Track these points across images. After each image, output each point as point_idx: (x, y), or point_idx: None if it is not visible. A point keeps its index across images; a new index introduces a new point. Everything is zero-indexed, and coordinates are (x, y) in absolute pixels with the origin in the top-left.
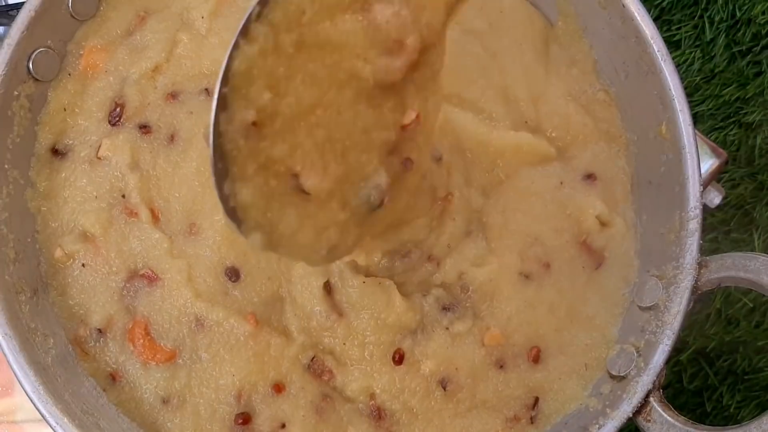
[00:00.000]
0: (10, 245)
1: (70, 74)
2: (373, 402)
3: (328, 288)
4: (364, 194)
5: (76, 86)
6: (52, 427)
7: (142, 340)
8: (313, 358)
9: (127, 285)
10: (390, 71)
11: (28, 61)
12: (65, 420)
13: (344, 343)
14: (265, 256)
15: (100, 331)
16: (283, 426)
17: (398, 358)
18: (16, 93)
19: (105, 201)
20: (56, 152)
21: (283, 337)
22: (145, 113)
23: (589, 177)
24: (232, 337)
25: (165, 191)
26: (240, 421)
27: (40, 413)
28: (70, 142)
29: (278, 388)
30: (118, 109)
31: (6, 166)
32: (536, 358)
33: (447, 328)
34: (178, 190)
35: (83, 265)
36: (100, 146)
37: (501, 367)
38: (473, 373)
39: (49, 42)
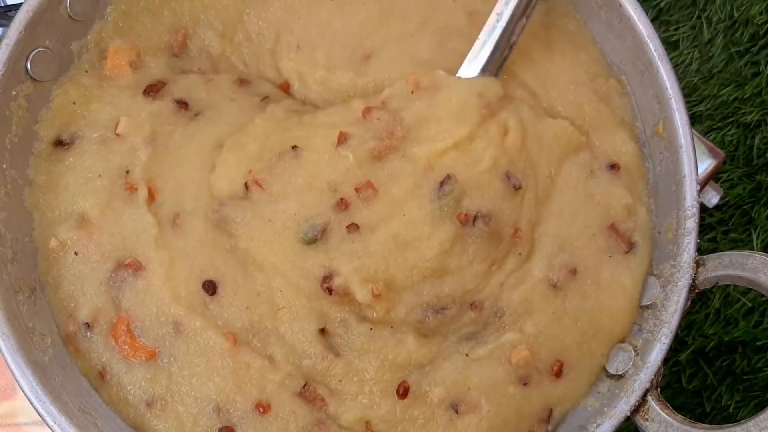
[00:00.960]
0: (8, 245)
1: (87, 71)
2: (369, 430)
3: (323, 331)
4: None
5: (93, 81)
6: (49, 427)
7: (124, 336)
8: (304, 385)
9: (114, 275)
10: None
11: (26, 62)
12: (63, 419)
13: (341, 380)
14: (244, 282)
15: (87, 325)
16: None
17: (402, 392)
18: (14, 93)
19: (108, 178)
20: (61, 143)
21: (266, 361)
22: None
23: (613, 167)
24: (209, 350)
25: (168, 168)
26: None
27: (38, 412)
28: (78, 130)
29: (263, 408)
30: (158, 84)
31: (4, 166)
32: (558, 373)
33: (466, 355)
34: (179, 168)
35: (76, 253)
36: (118, 123)
37: (525, 384)
38: (492, 391)
39: (47, 42)
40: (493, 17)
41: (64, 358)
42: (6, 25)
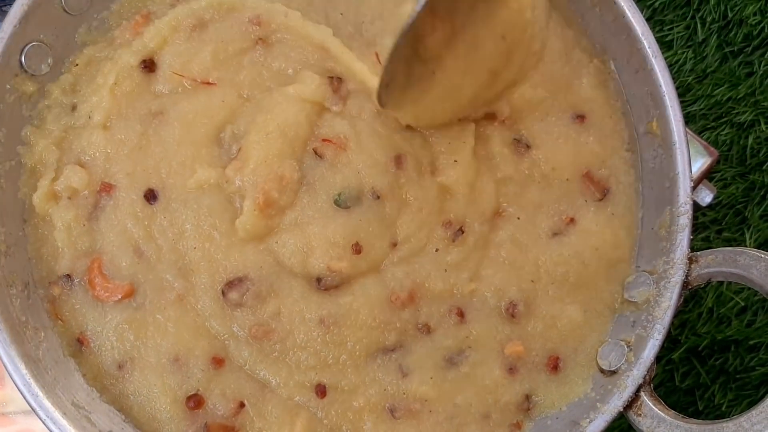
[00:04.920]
0: (1, 238)
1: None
2: None
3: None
4: None
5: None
6: (42, 420)
7: (98, 279)
8: None
9: (94, 210)
10: None
11: (21, 55)
12: (56, 413)
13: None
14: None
15: (68, 276)
16: (242, 405)
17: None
18: (8, 87)
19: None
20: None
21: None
22: None
23: (579, 117)
24: (166, 287)
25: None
26: (191, 404)
27: (30, 406)
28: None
29: (218, 361)
30: None
31: None
32: (555, 367)
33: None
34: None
35: (69, 197)
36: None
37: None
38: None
39: (41, 36)
40: None
41: (58, 352)
42: (1, 19)
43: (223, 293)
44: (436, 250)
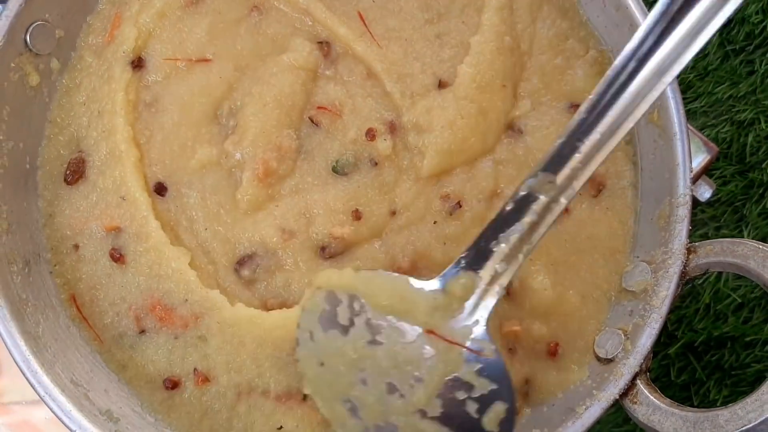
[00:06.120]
0: (3, 216)
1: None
2: None
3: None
4: None
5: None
6: (41, 397)
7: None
8: None
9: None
10: None
11: (26, 34)
12: (55, 390)
13: None
14: None
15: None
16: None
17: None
18: (12, 65)
19: None
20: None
21: None
22: None
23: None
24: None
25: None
26: (169, 385)
27: (29, 382)
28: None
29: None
30: None
31: (0, 138)
32: (554, 353)
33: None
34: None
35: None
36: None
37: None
38: None
39: (46, 16)
40: None
41: (57, 330)
42: None
43: (236, 271)
44: (435, 222)
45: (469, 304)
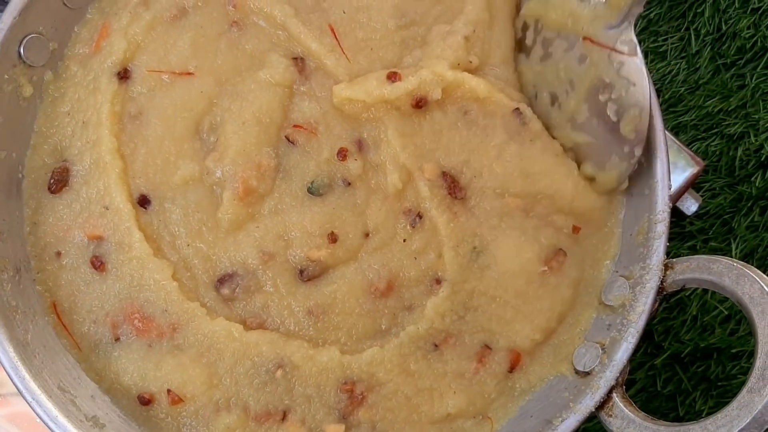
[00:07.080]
0: None
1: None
2: None
3: None
4: None
5: None
6: (28, 403)
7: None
8: None
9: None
10: None
11: (20, 46)
12: (42, 396)
13: None
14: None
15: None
16: (180, 400)
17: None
18: (6, 77)
19: None
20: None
21: None
22: None
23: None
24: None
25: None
26: (143, 401)
27: (17, 388)
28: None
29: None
30: None
31: None
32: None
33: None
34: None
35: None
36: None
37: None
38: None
39: (41, 28)
40: None
41: (46, 337)
42: (1, 11)
43: (216, 289)
44: (404, 240)
45: (623, 11)
